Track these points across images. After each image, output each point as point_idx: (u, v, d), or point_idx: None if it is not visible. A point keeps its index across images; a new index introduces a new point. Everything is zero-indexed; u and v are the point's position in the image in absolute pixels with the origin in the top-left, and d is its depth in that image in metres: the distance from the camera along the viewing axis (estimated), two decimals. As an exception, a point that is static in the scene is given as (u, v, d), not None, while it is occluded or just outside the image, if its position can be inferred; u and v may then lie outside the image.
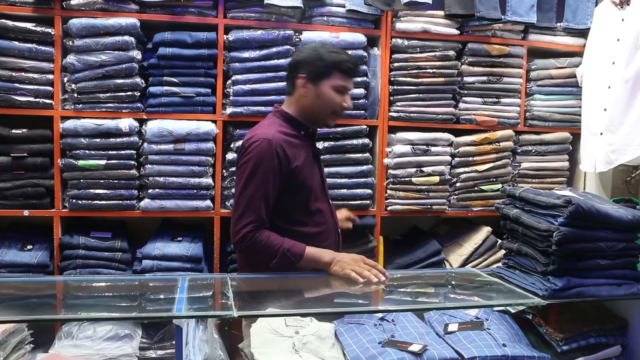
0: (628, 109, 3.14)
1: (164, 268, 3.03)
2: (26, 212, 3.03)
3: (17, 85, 2.98)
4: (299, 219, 2.32)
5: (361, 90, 3.31)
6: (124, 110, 3.09)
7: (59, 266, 3.05)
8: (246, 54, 3.17)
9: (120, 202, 3.10)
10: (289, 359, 1.83)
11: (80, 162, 3.03)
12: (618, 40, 3.21)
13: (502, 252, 2.29)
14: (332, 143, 3.27)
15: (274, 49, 3.18)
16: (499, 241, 2.45)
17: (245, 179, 2.23)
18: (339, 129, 3.24)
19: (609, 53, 3.26)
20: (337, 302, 2.18)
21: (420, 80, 3.40)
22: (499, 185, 3.50)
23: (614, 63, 3.23)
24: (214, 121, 3.17)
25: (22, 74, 2.99)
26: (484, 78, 3.51)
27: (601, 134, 3.27)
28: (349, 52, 3.19)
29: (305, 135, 2.42)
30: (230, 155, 3.16)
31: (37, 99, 3.01)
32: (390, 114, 3.39)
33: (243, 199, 2.22)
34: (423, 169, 3.38)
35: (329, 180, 2.98)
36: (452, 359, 1.88)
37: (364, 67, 3.31)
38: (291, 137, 2.34)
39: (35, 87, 3.01)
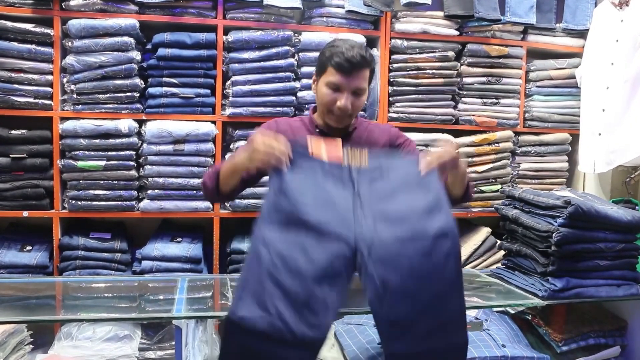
0: (627, 109, 3.14)
1: (163, 269, 3.02)
2: (25, 213, 3.02)
3: (16, 86, 2.98)
4: None
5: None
6: (123, 111, 3.09)
7: (58, 267, 3.04)
8: (245, 55, 3.17)
9: (119, 202, 3.10)
10: None
11: (80, 163, 3.03)
12: (617, 41, 3.21)
13: (502, 252, 2.30)
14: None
15: (274, 50, 3.18)
16: (499, 242, 2.45)
17: None
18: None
19: (608, 54, 3.26)
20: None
21: (419, 81, 3.41)
22: (498, 186, 3.50)
23: (612, 64, 3.23)
24: (214, 122, 3.17)
25: (22, 74, 2.98)
26: (484, 79, 3.51)
27: (600, 134, 3.27)
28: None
29: (321, 133, 2.19)
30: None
31: (37, 100, 3.01)
32: (390, 114, 3.39)
33: None
34: (422, 169, 3.37)
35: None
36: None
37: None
38: (299, 128, 2.21)
39: (35, 88, 3.00)
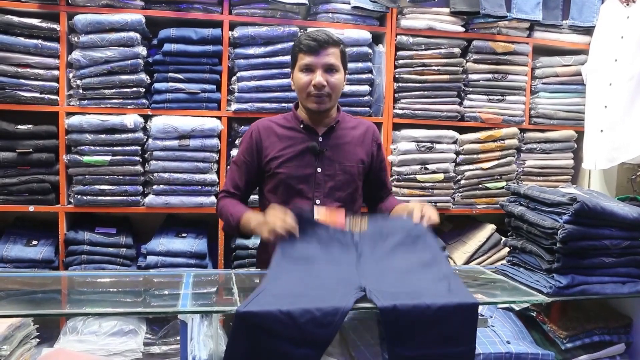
0: (631, 106, 3.12)
1: (168, 264, 3.03)
2: (31, 208, 3.04)
3: (22, 81, 2.99)
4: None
5: (366, 87, 3.30)
6: (129, 107, 3.09)
7: (63, 262, 3.06)
8: (251, 51, 3.17)
9: (125, 198, 3.11)
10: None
11: (85, 158, 3.04)
12: (622, 37, 3.20)
13: (507, 249, 2.30)
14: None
15: (279, 46, 3.18)
16: (503, 239, 2.45)
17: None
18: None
19: (612, 50, 3.25)
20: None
21: (425, 77, 3.40)
22: (504, 183, 3.50)
23: (616, 60, 3.22)
24: (219, 117, 3.18)
25: (28, 70, 2.99)
26: (489, 75, 3.50)
27: (601, 131, 3.26)
28: (354, 48, 3.22)
29: (305, 129, 2.29)
30: (235, 152, 3.16)
31: (43, 95, 3.02)
32: (395, 111, 3.39)
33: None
34: (427, 166, 3.38)
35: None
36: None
37: (369, 64, 3.31)
38: (283, 129, 2.29)
39: (41, 83, 3.01)
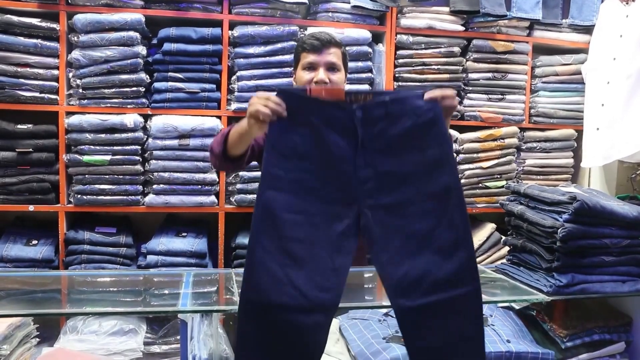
0: (629, 105, 3.12)
1: (168, 263, 3.04)
2: (31, 207, 3.04)
3: (22, 80, 2.99)
4: None
5: (366, 87, 3.30)
6: (128, 106, 3.09)
7: (64, 261, 3.06)
8: (251, 50, 3.17)
9: (125, 197, 3.11)
10: (294, 354, 1.83)
11: (85, 158, 3.04)
12: (621, 36, 3.20)
13: (507, 248, 2.30)
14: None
15: (279, 45, 3.18)
16: (503, 238, 2.45)
17: None
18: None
19: (611, 49, 3.25)
20: (341, 298, 2.18)
21: (425, 76, 3.40)
22: (504, 182, 3.49)
23: (614, 59, 3.22)
24: (219, 117, 3.18)
25: (27, 69, 2.99)
26: (489, 75, 3.50)
27: (598, 129, 3.26)
28: (354, 48, 3.21)
29: None
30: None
31: (42, 95, 3.02)
32: (395, 110, 3.38)
33: None
34: (427, 165, 3.37)
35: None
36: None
37: (369, 63, 3.31)
38: None
39: (41, 82, 3.01)
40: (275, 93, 1.60)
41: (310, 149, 1.58)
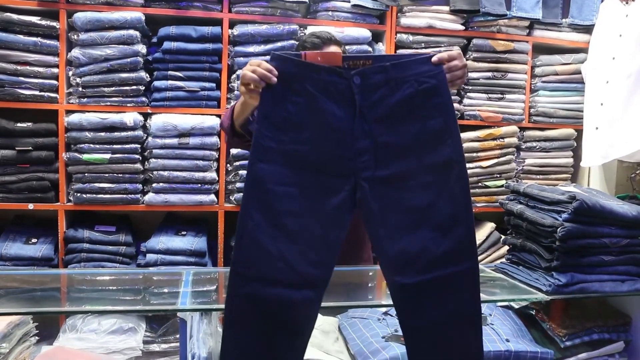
0: (628, 104, 3.12)
1: (167, 262, 3.04)
2: (31, 206, 3.04)
3: (22, 79, 2.99)
4: None
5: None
6: (128, 104, 3.09)
7: (63, 260, 3.06)
8: (251, 49, 3.17)
9: (124, 196, 3.11)
10: (293, 353, 1.83)
11: (85, 156, 3.04)
12: (620, 35, 3.20)
13: (506, 247, 2.30)
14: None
15: (279, 44, 3.18)
16: (503, 237, 2.45)
17: None
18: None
19: (610, 48, 3.25)
20: (340, 296, 2.18)
21: (424, 75, 3.39)
22: (503, 181, 3.49)
23: (614, 58, 3.22)
24: (219, 116, 3.17)
25: (27, 67, 2.99)
26: (489, 74, 3.50)
27: (597, 128, 3.26)
28: (354, 47, 3.21)
29: None
30: (235, 150, 3.16)
31: (42, 93, 3.02)
32: (395, 109, 3.38)
33: None
34: (427, 164, 3.37)
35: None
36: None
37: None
38: None
39: (40, 80, 3.01)
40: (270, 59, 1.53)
41: (304, 119, 1.51)
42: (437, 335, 1.55)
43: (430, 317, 1.54)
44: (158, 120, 3.07)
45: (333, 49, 2.20)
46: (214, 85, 3.18)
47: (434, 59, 1.52)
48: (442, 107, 1.52)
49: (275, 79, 1.48)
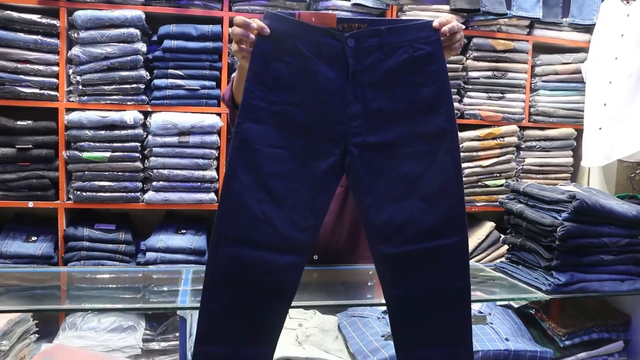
0: (630, 104, 3.12)
1: (167, 260, 3.04)
2: (31, 204, 3.04)
3: (22, 77, 2.99)
4: None
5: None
6: (128, 103, 3.09)
7: (63, 257, 3.06)
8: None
9: (124, 194, 3.11)
10: (292, 351, 1.84)
11: (85, 154, 3.04)
12: (622, 35, 3.20)
13: (506, 247, 2.30)
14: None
15: (279, 43, 3.17)
16: (503, 236, 2.45)
17: None
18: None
19: (612, 48, 3.25)
20: (340, 295, 2.18)
21: (424, 74, 3.39)
22: (503, 181, 3.50)
23: (616, 58, 3.22)
24: (219, 114, 3.18)
25: (27, 65, 2.99)
26: (489, 73, 3.50)
27: (600, 129, 3.26)
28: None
29: None
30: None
31: (42, 91, 3.02)
32: (395, 108, 3.38)
33: None
34: (427, 163, 3.37)
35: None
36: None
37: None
38: None
39: (40, 79, 3.01)
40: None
41: (295, 80, 1.46)
42: (420, 308, 1.52)
43: (414, 288, 1.51)
44: (158, 119, 3.07)
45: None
46: (214, 83, 3.18)
47: (434, 23, 1.49)
48: (436, 75, 1.49)
49: (268, 30, 1.43)
